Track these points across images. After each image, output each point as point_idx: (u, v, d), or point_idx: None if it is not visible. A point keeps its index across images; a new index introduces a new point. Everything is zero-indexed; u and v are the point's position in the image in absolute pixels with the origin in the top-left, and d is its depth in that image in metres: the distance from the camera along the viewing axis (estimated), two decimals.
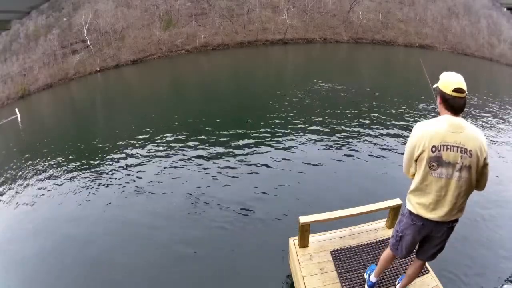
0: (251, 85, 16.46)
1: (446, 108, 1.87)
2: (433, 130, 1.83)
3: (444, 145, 1.81)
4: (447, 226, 2.00)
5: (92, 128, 13.15)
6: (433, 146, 1.82)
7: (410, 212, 2.05)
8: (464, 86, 1.81)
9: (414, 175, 2.00)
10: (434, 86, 1.98)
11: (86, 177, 7.44)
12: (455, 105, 1.83)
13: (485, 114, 10.92)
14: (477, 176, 1.87)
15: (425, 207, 1.95)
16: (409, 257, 2.77)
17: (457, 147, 1.80)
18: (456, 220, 2.00)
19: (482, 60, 31.54)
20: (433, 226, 1.99)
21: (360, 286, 2.75)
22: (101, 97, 21.72)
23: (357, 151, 7.40)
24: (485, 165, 1.85)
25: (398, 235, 2.19)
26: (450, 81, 1.85)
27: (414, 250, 2.32)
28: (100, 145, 9.80)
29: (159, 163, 7.57)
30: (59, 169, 8.31)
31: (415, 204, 1.99)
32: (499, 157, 7.14)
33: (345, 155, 7.23)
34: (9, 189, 7.78)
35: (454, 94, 1.81)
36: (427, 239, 2.13)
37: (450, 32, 34.56)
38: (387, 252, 2.42)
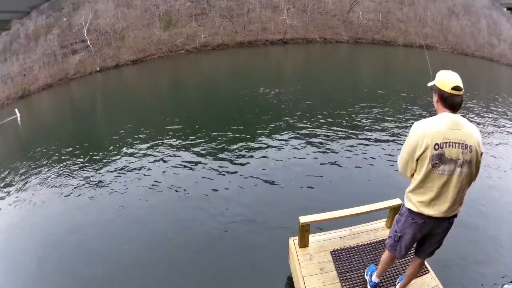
0: (251, 85, 16.45)
1: (444, 106, 1.89)
2: (434, 128, 1.85)
3: (446, 142, 1.82)
4: (447, 222, 2.01)
5: (92, 128, 13.15)
6: (436, 144, 1.83)
7: (410, 211, 2.04)
8: (461, 84, 1.84)
9: (413, 174, 2.00)
10: (430, 84, 1.99)
11: (86, 177, 7.44)
12: (454, 102, 1.86)
13: (483, 114, 10.91)
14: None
15: (426, 204, 1.95)
16: (409, 257, 2.78)
17: (459, 143, 1.82)
18: (455, 215, 2.01)
19: (482, 60, 31.55)
20: (434, 223, 2.00)
21: (360, 286, 2.75)
22: (101, 97, 21.73)
23: (357, 151, 7.40)
24: (481, 159, 1.90)
25: (397, 235, 2.18)
26: (448, 79, 1.86)
27: (412, 249, 2.32)
28: (100, 145, 9.80)
29: (159, 164, 7.56)
30: (58, 169, 8.31)
31: (416, 203, 1.99)
32: (498, 155, 7.16)
33: (345, 155, 7.22)
34: (9, 189, 7.78)
35: (453, 92, 1.83)
36: (427, 237, 2.13)
37: (450, 32, 34.57)
38: (386, 254, 2.41)
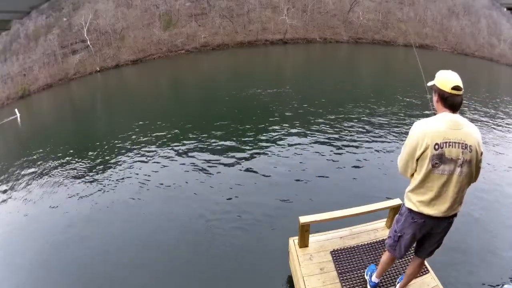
0: (251, 85, 16.45)
1: (444, 106, 1.89)
2: (434, 128, 1.84)
3: (446, 142, 1.82)
4: (447, 221, 2.01)
5: (92, 128, 13.14)
6: (436, 144, 1.83)
7: (410, 210, 2.04)
8: (461, 84, 1.84)
9: (413, 174, 2.00)
10: (429, 84, 1.99)
11: (86, 178, 7.44)
12: (454, 102, 1.86)
13: (483, 114, 10.91)
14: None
15: (427, 204, 1.95)
16: (409, 257, 2.78)
17: (459, 143, 1.82)
18: (455, 215, 2.01)
19: (482, 60, 31.55)
20: (433, 222, 2.00)
21: (360, 286, 2.75)
22: (101, 97, 21.73)
23: (356, 151, 7.40)
24: (481, 159, 1.90)
25: (396, 235, 2.18)
26: (448, 79, 1.86)
27: (412, 249, 2.32)
28: (100, 146, 9.79)
29: (159, 164, 7.56)
30: (58, 169, 8.31)
31: (416, 202, 1.99)
32: (497, 154, 7.16)
33: (344, 155, 7.23)
34: (9, 190, 7.78)
35: (453, 92, 1.83)
36: (427, 237, 2.13)
37: (450, 32, 34.58)
38: (386, 255, 2.41)
